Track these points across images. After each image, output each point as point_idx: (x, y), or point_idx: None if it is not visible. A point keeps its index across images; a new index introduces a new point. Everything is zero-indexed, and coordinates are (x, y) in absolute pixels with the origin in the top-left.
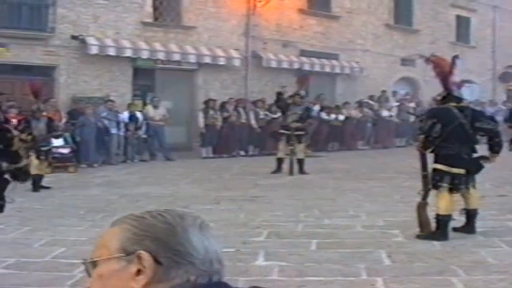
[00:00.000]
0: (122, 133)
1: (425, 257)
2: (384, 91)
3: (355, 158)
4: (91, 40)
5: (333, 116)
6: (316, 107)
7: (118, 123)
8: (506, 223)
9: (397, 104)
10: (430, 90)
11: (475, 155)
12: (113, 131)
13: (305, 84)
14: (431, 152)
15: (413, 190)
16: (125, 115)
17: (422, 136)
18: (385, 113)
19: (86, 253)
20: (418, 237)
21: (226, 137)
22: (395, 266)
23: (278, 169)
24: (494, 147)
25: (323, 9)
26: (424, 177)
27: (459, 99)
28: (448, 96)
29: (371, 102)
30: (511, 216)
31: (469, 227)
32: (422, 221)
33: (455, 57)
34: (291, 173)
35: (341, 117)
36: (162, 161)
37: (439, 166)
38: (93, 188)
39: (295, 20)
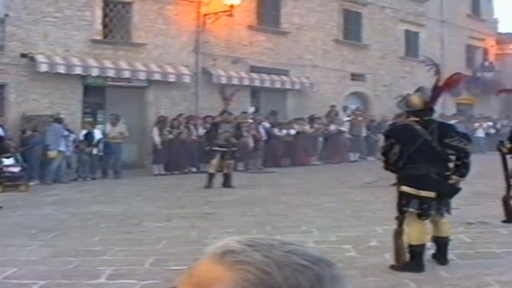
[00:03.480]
0: (68, 152)
1: (377, 272)
2: (332, 106)
3: (307, 174)
4: (40, 58)
5: (284, 131)
6: (266, 124)
7: (68, 141)
8: (458, 236)
9: (349, 118)
10: (381, 104)
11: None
12: (64, 149)
13: (230, 102)
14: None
15: (365, 205)
16: (81, 133)
17: (383, 157)
18: (332, 128)
19: (38, 273)
20: (392, 267)
21: (177, 154)
22: (348, 281)
23: (209, 184)
24: (461, 170)
25: (272, 25)
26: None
27: (425, 114)
28: (419, 111)
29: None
30: (463, 229)
31: (440, 257)
32: (398, 251)
33: (475, 78)
34: (227, 186)
35: (292, 132)
36: (113, 179)
37: (405, 189)
38: (45, 206)
39: (245, 36)
